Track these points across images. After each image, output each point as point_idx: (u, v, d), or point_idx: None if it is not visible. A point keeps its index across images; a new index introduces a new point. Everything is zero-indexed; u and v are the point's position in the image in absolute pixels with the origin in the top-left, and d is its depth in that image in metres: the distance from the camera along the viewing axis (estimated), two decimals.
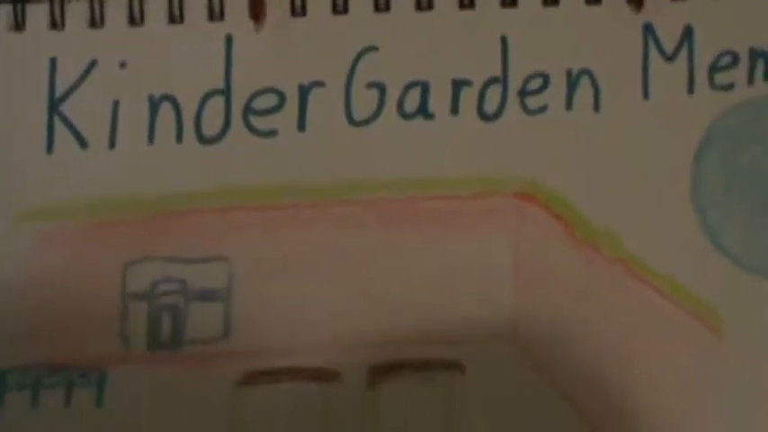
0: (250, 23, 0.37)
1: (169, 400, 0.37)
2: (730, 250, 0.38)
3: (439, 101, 0.38)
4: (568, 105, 0.38)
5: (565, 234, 0.38)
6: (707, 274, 0.38)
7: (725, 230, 0.38)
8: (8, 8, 0.37)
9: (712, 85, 0.39)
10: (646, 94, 0.39)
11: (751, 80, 0.39)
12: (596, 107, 0.38)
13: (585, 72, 0.38)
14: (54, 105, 0.37)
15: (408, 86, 0.38)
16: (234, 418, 0.38)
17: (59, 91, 0.37)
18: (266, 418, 0.37)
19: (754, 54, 0.39)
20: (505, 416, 0.38)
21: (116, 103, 0.38)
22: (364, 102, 0.38)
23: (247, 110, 0.38)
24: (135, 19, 0.37)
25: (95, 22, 0.37)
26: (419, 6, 0.38)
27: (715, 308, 0.38)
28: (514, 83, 0.38)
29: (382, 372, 0.38)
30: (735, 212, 0.38)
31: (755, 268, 0.38)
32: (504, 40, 0.38)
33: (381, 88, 0.38)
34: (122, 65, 0.37)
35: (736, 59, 0.39)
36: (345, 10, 0.38)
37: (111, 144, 0.38)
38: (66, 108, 0.37)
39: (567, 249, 0.38)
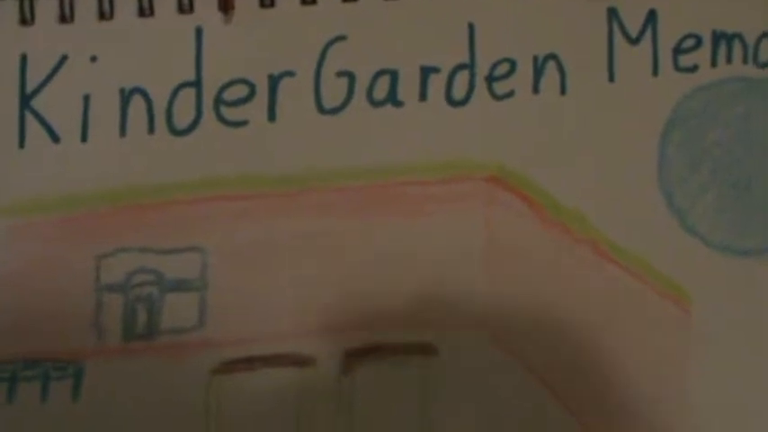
0: (219, 15, 0.38)
1: (145, 391, 0.38)
2: (698, 229, 0.39)
3: (407, 88, 0.39)
4: (535, 89, 0.39)
5: (535, 216, 0.39)
6: (676, 254, 0.39)
7: (692, 210, 0.39)
8: None
9: (676, 67, 0.39)
10: (611, 77, 0.39)
11: (714, 62, 0.40)
12: (563, 90, 0.39)
13: (551, 56, 0.39)
14: (25, 100, 0.38)
15: (377, 74, 0.39)
16: (210, 406, 0.38)
17: (30, 86, 0.38)
18: (243, 405, 0.38)
19: (717, 37, 0.40)
20: (479, 398, 0.38)
21: (87, 97, 0.38)
22: (334, 90, 0.39)
23: (218, 101, 0.38)
24: (105, 13, 0.38)
25: (65, 17, 0.38)
26: None
27: (684, 287, 0.39)
28: (482, 69, 0.39)
29: (357, 356, 0.38)
30: (702, 192, 0.39)
31: (723, 247, 0.39)
32: (471, 27, 0.39)
33: (350, 77, 0.39)
34: (93, 59, 0.38)
35: (699, 42, 0.40)
36: (314, 0, 0.38)
37: (83, 138, 0.38)
38: (37, 103, 0.38)
39: (537, 231, 0.39)
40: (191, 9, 0.38)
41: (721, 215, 0.39)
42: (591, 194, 0.39)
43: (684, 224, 0.39)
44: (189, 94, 0.38)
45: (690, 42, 0.39)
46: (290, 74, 0.38)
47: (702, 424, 0.38)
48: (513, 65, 0.39)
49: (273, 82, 0.38)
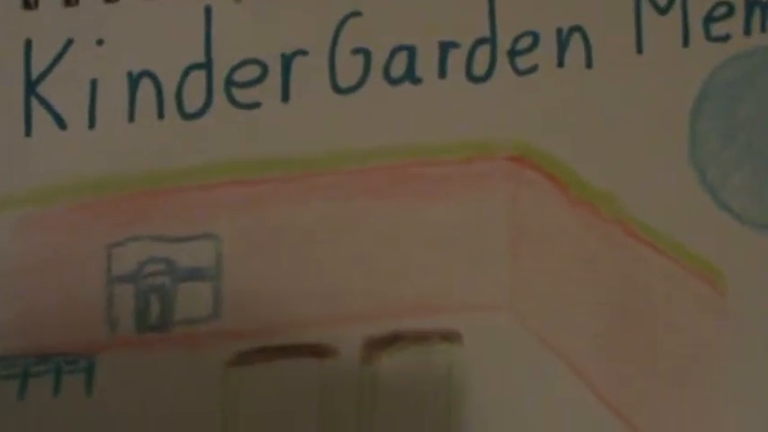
0: None
1: (159, 385, 0.37)
2: (732, 207, 0.38)
3: (426, 65, 0.38)
4: (560, 63, 0.38)
5: (561, 196, 0.38)
6: (709, 232, 0.38)
7: (726, 187, 0.38)
8: None
9: (708, 36, 0.38)
10: (639, 49, 0.38)
11: (748, 30, 0.39)
12: (588, 64, 0.38)
13: (576, 28, 0.38)
14: (31, 87, 0.37)
15: (394, 51, 0.38)
16: (227, 399, 0.37)
17: (36, 72, 0.37)
18: (260, 398, 0.37)
19: (750, 3, 0.38)
20: (506, 384, 0.37)
21: (94, 82, 0.37)
22: (349, 69, 0.38)
23: (229, 82, 0.38)
24: None
25: (70, 0, 0.37)
26: None
27: (719, 266, 0.38)
28: (503, 43, 0.38)
29: (379, 345, 0.37)
30: (736, 168, 0.38)
31: (759, 224, 0.38)
32: (491, 0, 0.37)
33: (366, 54, 0.38)
34: (99, 42, 0.37)
35: (731, 9, 0.39)
36: None
37: (91, 124, 0.38)
38: (43, 89, 0.37)
39: (563, 212, 0.38)
40: None
41: (756, 191, 0.38)
42: (619, 172, 0.38)
43: (718, 201, 0.38)
44: (199, 77, 0.38)
45: (721, 10, 0.38)
46: (303, 52, 0.37)
47: (737, 406, 0.37)
48: (535, 38, 0.38)
49: (286, 61, 0.38)
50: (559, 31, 0.38)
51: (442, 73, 0.38)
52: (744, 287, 0.38)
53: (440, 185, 0.38)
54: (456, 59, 0.38)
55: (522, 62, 0.38)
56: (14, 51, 0.37)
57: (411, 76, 0.38)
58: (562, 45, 0.38)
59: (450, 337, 0.37)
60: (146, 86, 0.37)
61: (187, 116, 0.38)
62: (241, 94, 0.38)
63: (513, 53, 0.38)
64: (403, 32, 0.38)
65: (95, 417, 0.37)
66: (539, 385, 0.37)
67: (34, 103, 0.37)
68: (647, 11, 0.38)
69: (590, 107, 0.38)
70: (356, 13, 0.37)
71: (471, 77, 0.38)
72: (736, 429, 0.36)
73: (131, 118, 0.37)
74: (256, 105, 0.38)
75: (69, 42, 0.37)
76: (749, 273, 0.38)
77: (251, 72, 0.38)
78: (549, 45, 0.38)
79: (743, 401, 0.37)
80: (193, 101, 0.38)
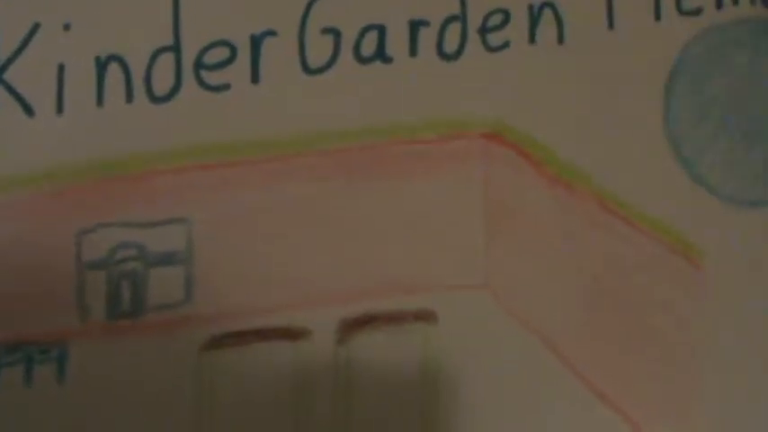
0: None
1: (133, 372, 0.37)
2: (708, 181, 0.38)
3: (396, 43, 0.38)
4: (531, 40, 0.38)
5: (536, 173, 0.38)
6: (685, 207, 0.38)
7: (701, 161, 0.38)
8: None
9: (680, 10, 0.38)
10: (611, 24, 0.38)
11: (719, 4, 0.38)
12: (560, 40, 0.38)
13: (547, 4, 0.38)
14: None
15: (364, 30, 0.38)
16: (201, 385, 0.37)
17: (2, 58, 0.37)
18: (235, 382, 0.37)
19: None
20: (482, 364, 0.37)
21: (61, 67, 0.37)
22: (319, 49, 0.38)
23: (198, 65, 0.38)
24: None
25: None
26: None
27: (695, 241, 0.38)
28: (474, 20, 0.38)
29: (353, 326, 0.37)
30: (711, 142, 0.38)
31: (735, 198, 0.38)
32: None
33: (336, 34, 0.38)
34: (66, 27, 0.37)
35: None
36: None
37: (59, 109, 0.37)
38: (9, 75, 0.37)
39: (539, 189, 0.38)
40: None
41: (731, 165, 0.38)
42: (594, 148, 0.38)
43: (693, 176, 0.38)
44: (167, 60, 0.38)
45: None
46: (272, 33, 0.37)
47: (715, 379, 0.37)
48: (506, 15, 0.38)
49: (256, 42, 0.37)
50: (530, 7, 0.38)
51: (413, 51, 0.38)
52: (721, 262, 0.38)
53: (413, 164, 0.38)
54: (427, 37, 0.38)
55: (494, 39, 0.38)
56: None
57: (382, 54, 0.38)
58: (533, 21, 0.38)
59: (425, 316, 0.37)
60: (114, 71, 0.37)
61: (156, 99, 0.37)
62: (210, 77, 0.38)
63: (484, 30, 0.38)
64: (372, 11, 0.38)
65: (68, 406, 0.37)
66: (516, 365, 0.37)
67: (0, 89, 0.36)
68: None
69: (563, 83, 0.38)
70: None
71: (442, 55, 0.38)
72: (720, 406, 0.36)
73: (100, 103, 0.37)
74: (226, 87, 0.38)
75: (36, 27, 0.37)
76: (726, 247, 0.38)
77: (220, 54, 0.38)
78: (520, 21, 0.38)
79: (726, 377, 0.37)
80: (162, 84, 0.37)
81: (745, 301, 0.37)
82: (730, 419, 0.36)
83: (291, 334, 0.37)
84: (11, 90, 0.37)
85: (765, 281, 0.38)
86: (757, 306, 0.37)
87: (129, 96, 0.37)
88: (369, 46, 0.38)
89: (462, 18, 0.38)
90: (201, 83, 0.38)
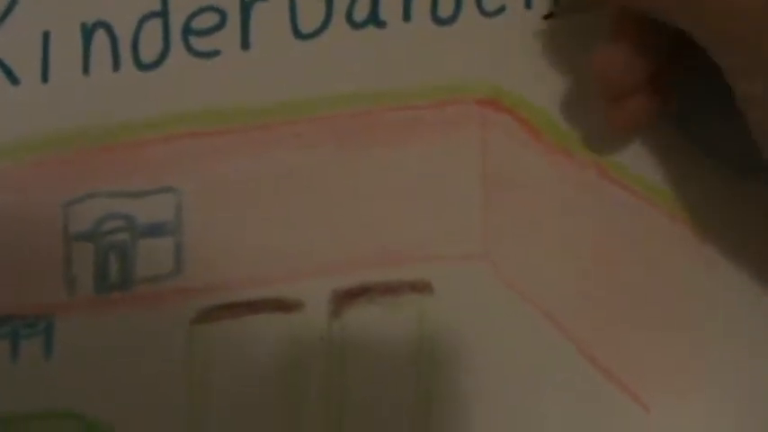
0: None
1: (121, 346, 0.36)
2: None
3: (390, 7, 0.37)
4: (527, 4, 0.37)
5: (533, 140, 0.37)
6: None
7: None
8: None
9: None
10: None
11: None
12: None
13: None
14: None
15: None
16: (192, 358, 0.36)
17: None
18: (227, 356, 0.36)
19: None
20: (479, 335, 0.36)
21: (47, 35, 0.37)
22: (311, 13, 0.37)
23: (187, 31, 0.37)
24: None
25: None
26: None
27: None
28: None
29: (347, 297, 0.36)
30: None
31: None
32: None
33: None
34: None
35: None
36: None
37: (45, 78, 0.37)
38: None
39: (536, 156, 0.37)
40: None
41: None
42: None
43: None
44: (155, 26, 0.37)
45: None
46: None
47: (719, 350, 0.36)
48: None
49: (245, 7, 0.37)
50: None
51: (407, 16, 0.37)
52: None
53: (407, 131, 0.37)
54: (421, 1, 0.37)
55: (489, 3, 0.37)
56: None
57: (375, 19, 0.37)
58: None
59: (420, 287, 0.36)
60: (100, 37, 0.37)
61: (144, 67, 0.37)
62: (199, 43, 0.37)
63: None
64: None
65: (56, 380, 0.36)
66: (513, 336, 0.36)
67: None
68: None
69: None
70: None
71: (437, 20, 0.37)
72: (724, 377, 0.35)
73: (86, 70, 0.37)
74: (215, 54, 0.37)
75: None
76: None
77: (209, 19, 0.37)
78: None
79: (730, 348, 0.36)
80: (150, 51, 0.37)
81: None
82: (735, 390, 0.35)
83: (284, 306, 0.36)
84: None
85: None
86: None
87: (116, 64, 0.37)
88: (362, 10, 0.37)
89: None
90: (190, 49, 0.37)
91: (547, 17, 0.37)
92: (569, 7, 0.37)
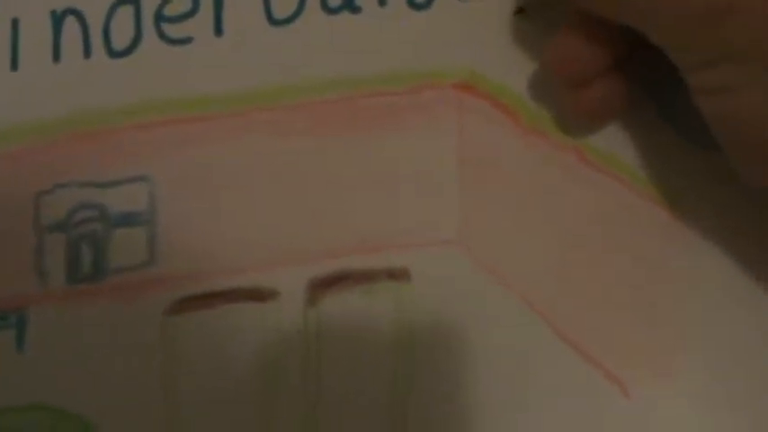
0: None
1: (95, 337, 0.36)
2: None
3: None
4: None
5: (511, 124, 0.37)
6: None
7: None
8: None
9: None
10: None
11: None
12: None
13: None
14: None
15: None
16: (166, 349, 0.36)
17: None
18: (202, 346, 0.36)
19: None
20: (457, 321, 0.36)
21: (15, 22, 0.37)
22: None
23: (159, 17, 0.37)
24: None
25: None
26: None
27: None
28: None
29: (323, 286, 0.36)
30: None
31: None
32: None
33: None
34: None
35: None
36: None
37: (14, 66, 0.37)
38: None
39: (513, 140, 0.37)
40: None
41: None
42: None
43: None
44: (127, 12, 0.37)
45: None
46: None
47: (698, 331, 0.36)
48: None
49: None
50: None
51: (382, 1, 0.37)
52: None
53: (383, 118, 0.37)
54: None
55: None
56: None
57: (350, 4, 0.37)
58: None
59: (397, 274, 0.36)
60: (71, 24, 0.37)
61: (115, 54, 0.37)
62: (172, 30, 0.37)
63: None
64: None
65: (28, 374, 0.36)
66: (491, 322, 0.36)
67: None
68: None
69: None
70: None
71: (412, 4, 0.37)
72: (704, 359, 0.35)
73: (56, 58, 0.37)
74: (188, 40, 0.37)
75: None
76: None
77: (182, 6, 0.37)
78: None
79: (709, 329, 0.36)
80: (122, 38, 0.37)
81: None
82: (714, 372, 0.35)
83: (259, 295, 0.36)
84: None
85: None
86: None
87: (87, 51, 0.37)
88: None
89: None
90: (162, 36, 0.37)
91: (517, 13, 0.37)
92: (538, 2, 0.37)
